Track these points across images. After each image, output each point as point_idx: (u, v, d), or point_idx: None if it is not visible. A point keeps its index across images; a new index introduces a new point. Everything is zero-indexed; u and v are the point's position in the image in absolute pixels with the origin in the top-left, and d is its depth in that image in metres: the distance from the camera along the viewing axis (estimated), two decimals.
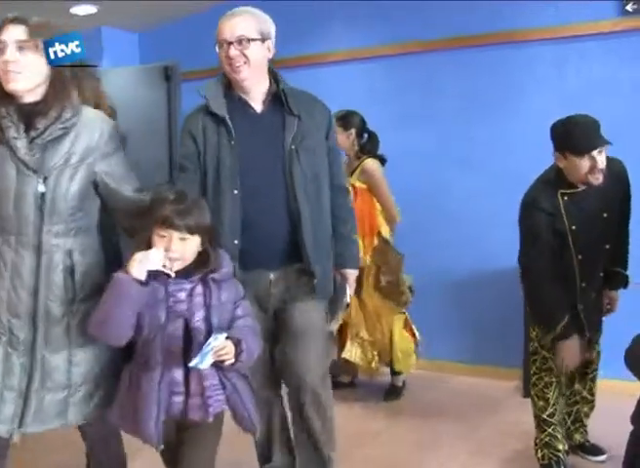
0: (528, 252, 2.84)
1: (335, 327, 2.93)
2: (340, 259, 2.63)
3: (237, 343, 1.98)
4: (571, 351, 2.82)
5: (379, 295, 3.95)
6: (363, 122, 4.04)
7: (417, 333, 4.09)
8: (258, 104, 2.49)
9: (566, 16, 4.08)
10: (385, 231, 4.00)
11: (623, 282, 3.03)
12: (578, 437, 3.19)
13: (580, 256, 2.81)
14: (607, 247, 2.87)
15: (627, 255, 3.02)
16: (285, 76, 2.57)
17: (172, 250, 1.97)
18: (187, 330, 2.01)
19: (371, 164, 3.94)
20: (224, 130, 2.41)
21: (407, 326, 4.07)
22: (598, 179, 2.71)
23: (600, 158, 2.68)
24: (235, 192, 2.39)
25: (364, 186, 3.94)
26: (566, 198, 2.78)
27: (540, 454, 3.02)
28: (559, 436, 2.97)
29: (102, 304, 1.97)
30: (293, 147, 2.41)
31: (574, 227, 2.77)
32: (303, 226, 2.42)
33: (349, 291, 2.68)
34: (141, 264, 1.93)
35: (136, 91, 5.04)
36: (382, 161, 4.03)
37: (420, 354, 4.17)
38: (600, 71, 4.05)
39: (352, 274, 2.68)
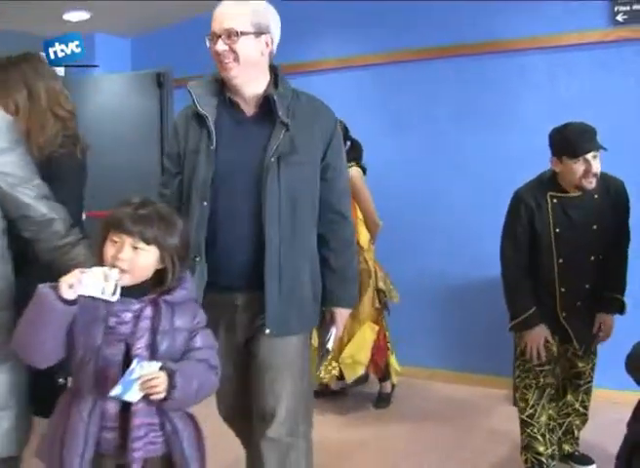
0: (506, 242, 2.97)
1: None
2: (328, 296, 2.27)
3: (171, 375, 1.68)
4: (534, 341, 2.89)
5: None
6: (346, 129, 4.00)
7: (390, 346, 4.06)
8: (249, 107, 2.18)
9: (557, 25, 4.11)
10: (364, 241, 3.96)
11: (619, 307, 3.01)
12: (567, 447, 3.20)
13: (560, 260, 2.87)
14: (592, 258, 2.90)
15: (624, 280, 3.00)
16: None
17: (120, 258, 1.72)
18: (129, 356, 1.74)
19: (353, 172, 3.91)
20: (206, 132, 2.14)
21: (379, 337, 3.98)
22: (591, 183, 2.78)
23: (594, 163, 2.76)
24: (204, 204, 2.12)
25: None
26: (555, 201, 2.86)
27: (523, 458, 3.04)
28: (540, 438, 2.98)
29: (23, 320, 1.72)
30: (273, 160, 2.09)
31: (558, 230, 2.85)
32: (267, 250, 2.09)
33: (334, 334, 2.30)
34: (74, 285, 1.67)
35: (128, 97, 5.04)
36: (364, 170, 4.02)
37: (405, 362, 4.17)
38: (591, 81, 4.08)
39: (341, 314, 2.30)
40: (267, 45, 2.15)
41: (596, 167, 2.77)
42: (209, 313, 1.96)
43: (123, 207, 1.78)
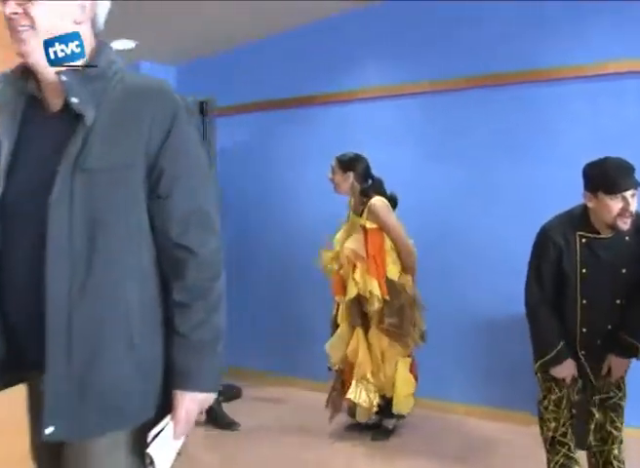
0: (530, 279, 2.90)
1: None
2: (171, 372, 1.57)
3: None
4: (564, 372, 2.83)
5: (384, 337, 3.88)
6: (367, 168, 4.02)
7: (417, 377, 4.06)
8: (56, 99, 1.56)
9: (599, 54, 4.05)
10: (393, 272, 3.91)
11: (634, 352, 2.88)
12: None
13: (584, 301, 2.79)
14: (617, 302, 2.81)
15: None
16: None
17: None
18: None
19: (376, 202, 3.91)
20: None
21: (412, 368, 4.03)
22: (626, 224, 2.68)
23: (632, 201, 2.67)
24: None
25: (374, 226, 3.90)
26: (584, 240, 2.77)
27: None
28: (575, 457, 2.86)
29: None
30: (64, 169, 1.47)
31: (584, 270, 2.77)
32: (48, 304, 1.45)
33: (167, 431, 1.53)
34: None
35: None
36: (394, 203, 4.00)
37: (431, 395, 4.20)
38: (634, 111, 4.00)
39: (184, 399, 1.55)
40: (85, 10, 1.56)
41: (633, 206, 2.67)
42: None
43: None
